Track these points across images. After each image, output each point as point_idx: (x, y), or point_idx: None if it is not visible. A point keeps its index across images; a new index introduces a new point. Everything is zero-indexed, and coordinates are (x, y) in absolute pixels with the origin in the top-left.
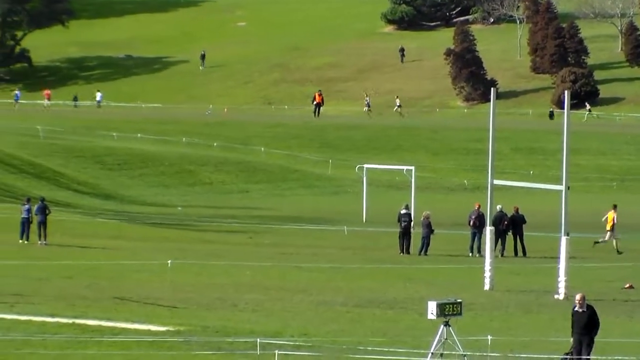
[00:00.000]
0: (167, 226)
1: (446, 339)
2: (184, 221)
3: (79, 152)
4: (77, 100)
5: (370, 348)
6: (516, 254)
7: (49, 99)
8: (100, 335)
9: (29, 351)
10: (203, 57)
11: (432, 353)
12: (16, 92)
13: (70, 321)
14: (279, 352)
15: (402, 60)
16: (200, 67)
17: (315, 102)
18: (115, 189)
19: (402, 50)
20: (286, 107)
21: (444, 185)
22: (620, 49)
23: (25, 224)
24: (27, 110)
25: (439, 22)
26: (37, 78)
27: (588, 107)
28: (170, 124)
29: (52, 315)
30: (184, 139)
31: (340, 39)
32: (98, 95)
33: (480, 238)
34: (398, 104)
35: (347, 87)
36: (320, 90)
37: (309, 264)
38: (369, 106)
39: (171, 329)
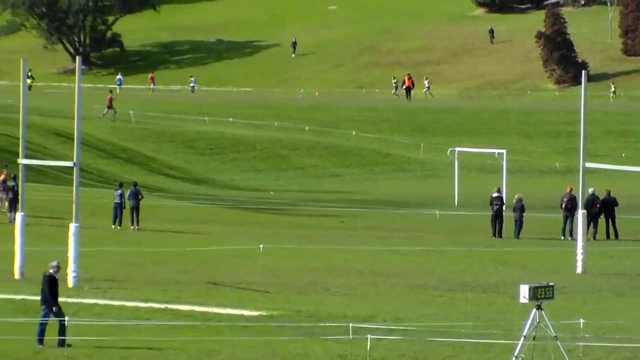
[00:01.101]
0: (260, 211)
1: (538, 322)
2: (276, 205)
3: (171, 137)
4: (154, 85)
5: (463, 331)
6: (608, 236)
7: (153, 82)
8: (193, 320)
9: (121, 337)
10: (294, 44)
11: (524, 337)
12: (118, 76)
13: (163, 306)
14: (372, 337)
15: (491, 42)
16: (292, 55)
17: (405, 86)
18: (207, 174)
19: (491, 31)
20: (377, 90)
21: (536, 168)
22: None
23: (118, 209)
24: (119, 95)
25: (529, 5)
26: (128, 63)
27: None
28: (262, 108)
29: (145, 301)
30: (275, 123)
31: (431, 22)
32: (192, 81)
33: (572, 221)
34: (427, 85)
35: (439, 70)
36: (409, 74)
37: (401, 247)
38: (396, 88)
39: (264, 313)
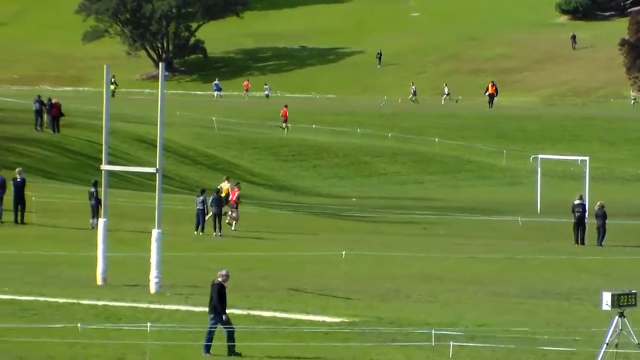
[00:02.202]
0: (342, 217)
1: (621, 330)
2: (359, 212)
3: (254, 143)
4: (220, 91)
5: (545, 338)
6: None
7: (247, 89)
8: (275, 326)
9: (202, 343)
10: (380, 56)
11: (606, 344)
12: (215, 82)
13: (245, 312)
14: (454, 343)
15: (573, 47)
16: (378, 66)
17: (488, 93)
18: (289, 180)
19: (573, 37)
20: (460, 97)
21: (618, 175)
22: None
23: (200, 215)
24: (202, 102)
25: (613, 12)
26: (211, 69)
27: None
28: (344, 115)
29: (227, 307)
30: (358, 130)
31: (514, 30)
32: (266, 88)
33: None
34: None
35: (522, 77)
36: (493, 81)
37: (483, 254)
38: (414, 94)
39: (346, 320)
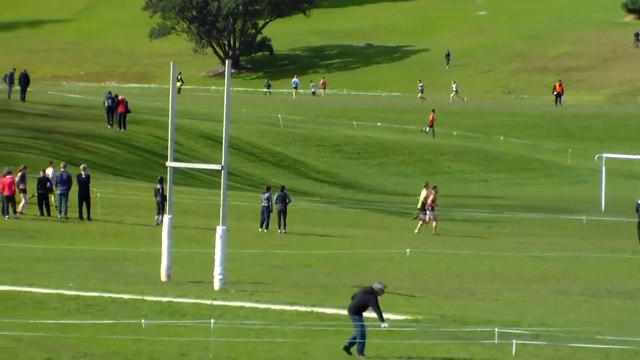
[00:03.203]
0: (406, 215)
1: None
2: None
3: (319, 141)
4: (269, 88)
5: (608, 338)
6: None
7: (324, 87)
8: (339, 323)
9: (267, 339)
10: (448, 56)
11: None
12: (294, 79)
13: (309, 309)
14: (517, 342)
15: (636, 45)
16: (446, 67)
17: (555, 92)
18: (354, 178)
19: (637, 35)
20: (526, 96)
21: None
22: None
23: (265, 212)
24: (268, 99)
25: None
26: (278, 67)
27: None
28: (410, 112)
29: (291, 304)
30: (423, 128)
31: (580, 28)
32: (312, 86)
33: None
34: (455, 89)
35: (588, 76)
36: (560, 80)
37: (547, 253)
38: (422, 92)
39: (409, 317)
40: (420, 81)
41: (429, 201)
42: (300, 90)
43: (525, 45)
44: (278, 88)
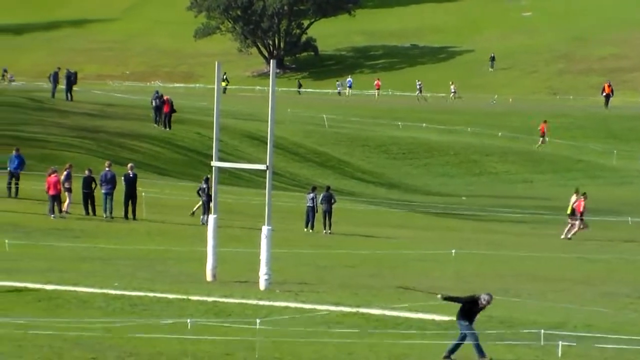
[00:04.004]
0: (451, 216)
1: None
2: (468, 211)
3: (364, 141)
4: (301, 87)
5: None
6: None
7: (378, 88)
8: (384, 324)
9: (312, 339)
10: (492, 59)
11: None
12: (348, 78)
13: (354, 310)
14: (563, 343)
15: None
16: (490, 69)
17: (604, 93)
18: (399, 178)
19: None
20: (571, 97)
21: None
22: None
23: (310, 212)
24: (313, 99)
25: None
26: (322, 67)
27: None
28: (455, 113)
29: (336, 304)
30: (468, 128)
31: (625, 30)
32: (338, 85)
33: None
34: (453, 90)
35: (632, 77)
36: (609, 81)
37: (592, 254)
38: (420, 91)
39: (455, 318)
40: (418, 80)
41: (579, 208)
42: (354, 91)
43: (570, 46)
44: (323, 88)
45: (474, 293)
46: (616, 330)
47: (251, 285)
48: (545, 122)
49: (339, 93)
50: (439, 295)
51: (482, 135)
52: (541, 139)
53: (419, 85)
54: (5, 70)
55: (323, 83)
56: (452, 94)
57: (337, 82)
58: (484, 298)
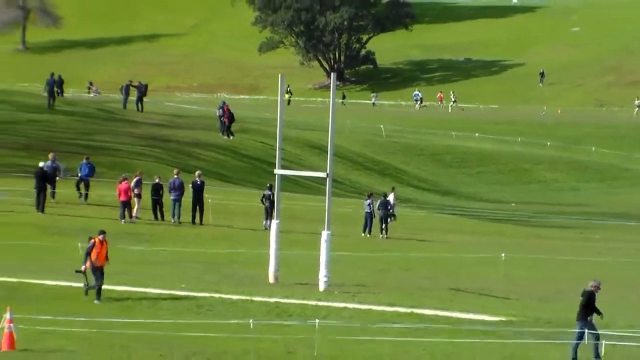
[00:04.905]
0: (502, 221)
1: None
2: (518, 217)
3: (420, 151)
4: (344, 98)
5: None
6: None
7: (441, 100)
8: (437, 324)
9: (368, 338)
10: (542, 74)
11: None
12: (415, 92)
13: (409, 310)
14: (606, 343)
15: None
16: (539, 84)
17: None
18: (453, 186)
19: None
20: (617, 108)
21: None
22: None
23: (368, 218)
24: (371, 110)
25: None
26: (380, 80)
27: None
28: (506, 124)
29: (391, 305)
30: (519, 138)
31: None
32: (373, 97)
33: None
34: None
35: None
36: None
37: (638, 258)
38: (420, 101)
39: (504, 319)
40: (419, 91)
41: None
42: (426, 103)
43: (618, 59)
44: (382, 100)
45: (584, 290)
46: None
47: (311, 287)
48: None
49: (373, 104)
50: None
51: (532, 145)
52: None
53: (418, 95)
54: (90, 84)
55: (382, 95)
56: (452, 102)
57: (373, 94)
58: (593, 285)
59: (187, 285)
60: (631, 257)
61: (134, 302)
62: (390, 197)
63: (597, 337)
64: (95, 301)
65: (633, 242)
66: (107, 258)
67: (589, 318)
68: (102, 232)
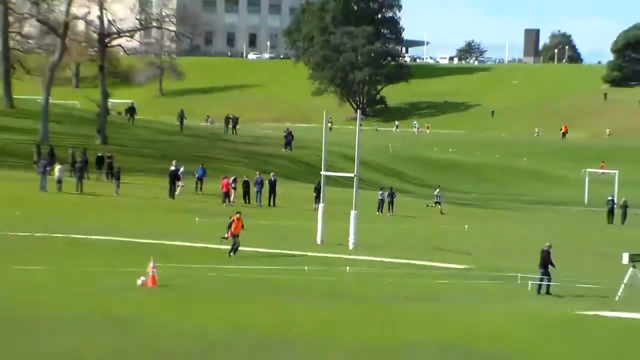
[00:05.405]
0: (465, 205)
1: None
2: (476, 202)
3: (414, 159)
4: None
5: None
6: None
7: (428, 128)
8: (424, 270)
9: (381, 280)
10: (492, 112)
11: (623, 284)
12: (415, 122)
13: (405, 261)
14: (553, 283)
15: None
16: (491, 118)
17: None
18: (435, 183)
19: None
20: (542, 134)
21: None
22: None
23: (380, 203)
24: (382, 133)
25: None
26: (389, 114)
27: None
28: (469, 143)
29: (395, 258)
30: (478, 152)
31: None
32: (415, 124)
33: None
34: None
35: None
36: None
37: (555, 229)
38: (417, 128)
39: (467, 266)
40: (415, 121)
41: None
42: (414, 130)
43: (542, 101)
44: (388, 128)
45: (542, 250)
46: None
47: (344, 247)
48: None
49: (416, 131)
50: None
51: (487, 156)
52: None
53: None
54: (208, 116)
55: (388, 124)
56: (416, 129)
57: (395, 122)
58: (547, 246)
59: (269, 244)
60: (552, 228)
61: (237, 258)
62: (436, 192)
63: (549, 280)
64: (231, 254)
65: (551, 219)
66: (243, 227)
67: (547, 268)
68: (238, 213)
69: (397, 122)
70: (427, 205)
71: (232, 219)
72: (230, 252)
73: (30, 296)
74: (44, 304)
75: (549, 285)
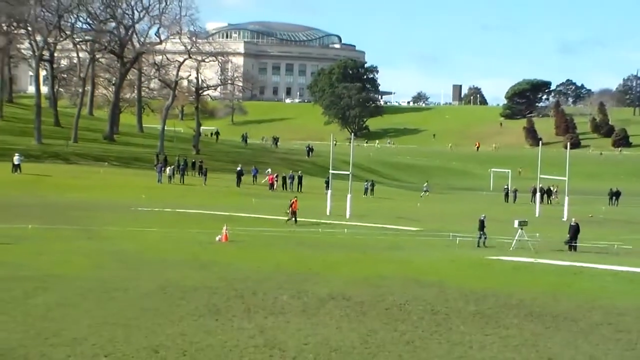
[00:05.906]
0: (422, 191)
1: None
2: (431, 190)
3: (388, 163)
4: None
5: None
6: None
7: (393, 144)
8: (392, 231)
9: (371, 237)
10: (434, 135)
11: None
12: (388, 140)
13: (382, 226)
14: (484, 239)
15: None
16: (433, 139)
17: None
18: (403, 178)
19: None
20: (463, 148)
21: None
22: None
23: (365, 189)
24: (366, 148)
25: None
26: (370, 136)
27: None
28: (420, 154)
29: (376, 223)
30: (426, 158)
31: None
32: (388, 142)
33: None
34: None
35: None
36: None
37: (479, 206)
38: (392, 144)
39: (419, 229)
40: (389, 139)
41: None
42: (387, 145)
43: (464, 127)
44: (371, 144)
45: (479, 219)
46: None
47: (343, 217)
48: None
49: (389, 146)
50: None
51: (433, 160)
52: None
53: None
54: (263, 137)
55: (371, 142)
56: (389, 144)
57: (376, 141)
58: (483, 216)
59: (285, 215)
60: (471, 205)
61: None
62: (425, 185)
63: (486, 237)
64: (291, 221)
65: (470, 199)
66: (297, 207)
67: (483, 229)
68: (295, 197)
69: (377, 141)
70: (421, 196)
71: (291, 201)
72: (288, 219)
73: (151, 247)
74: (171, 252)
75: (485, 240)
